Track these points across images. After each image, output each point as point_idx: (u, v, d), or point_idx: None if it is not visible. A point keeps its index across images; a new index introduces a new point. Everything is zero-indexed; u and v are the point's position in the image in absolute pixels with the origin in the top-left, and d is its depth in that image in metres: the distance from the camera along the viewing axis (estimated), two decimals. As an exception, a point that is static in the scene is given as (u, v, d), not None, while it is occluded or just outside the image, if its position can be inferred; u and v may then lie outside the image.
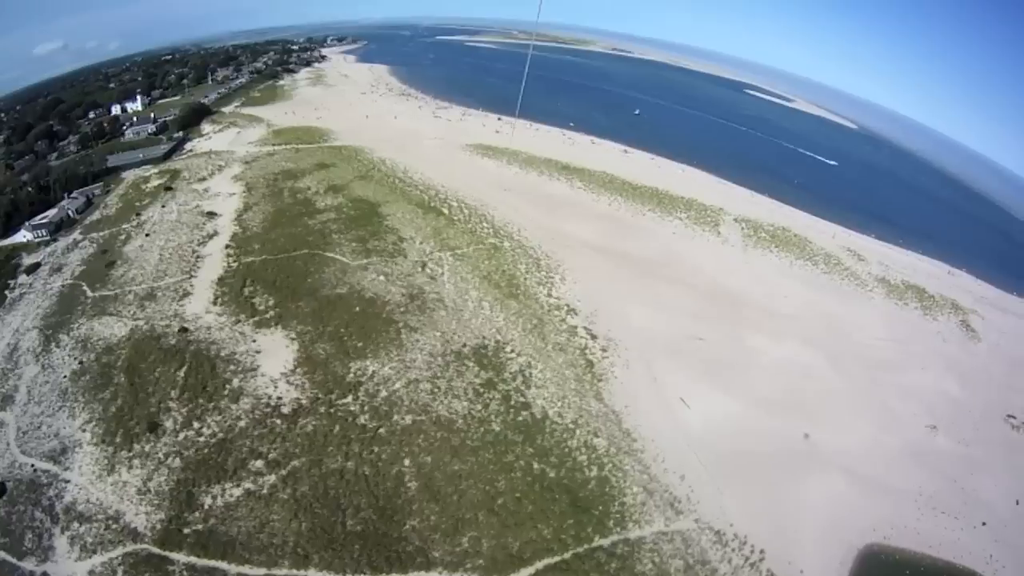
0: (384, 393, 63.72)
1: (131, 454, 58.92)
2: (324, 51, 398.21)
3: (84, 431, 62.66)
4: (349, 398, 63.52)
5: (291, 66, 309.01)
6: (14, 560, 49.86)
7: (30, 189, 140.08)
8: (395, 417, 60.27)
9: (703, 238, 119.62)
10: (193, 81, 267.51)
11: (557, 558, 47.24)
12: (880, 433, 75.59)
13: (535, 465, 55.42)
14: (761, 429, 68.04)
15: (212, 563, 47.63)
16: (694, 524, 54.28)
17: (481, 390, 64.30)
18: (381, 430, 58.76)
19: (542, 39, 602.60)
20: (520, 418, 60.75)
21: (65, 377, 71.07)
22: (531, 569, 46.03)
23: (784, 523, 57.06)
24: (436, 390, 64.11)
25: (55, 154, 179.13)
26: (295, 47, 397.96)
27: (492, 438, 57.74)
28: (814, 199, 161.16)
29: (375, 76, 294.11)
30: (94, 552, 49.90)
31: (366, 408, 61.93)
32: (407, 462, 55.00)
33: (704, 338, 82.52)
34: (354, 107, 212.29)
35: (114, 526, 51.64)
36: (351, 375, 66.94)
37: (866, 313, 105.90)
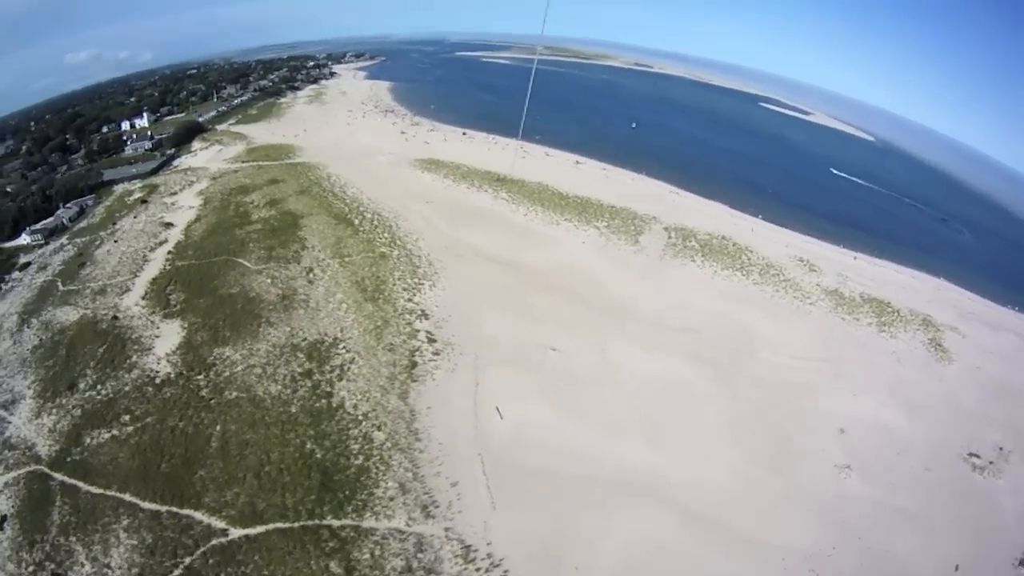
0: (227, 374, 79.07)
1: (53, 405, 78.41)
2: (338, 67, 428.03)
3: (29, 388, 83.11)
4: (201, 376, 79.28)
5: (296, 83, 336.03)
6: None
7: (36, 199, 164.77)
8: (225, 393, 75.47)
9: (615, 247, 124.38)
10: (199, 99, 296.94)
11: (287, 524, 57.70)
12: (760, 471, 67.97)
13: (308, 445, 67.15)
14: (583, 450, 67.40)
15: (74, 482, 65.59)
16: (442, 532, 56.87)
17: (298, 378, 78.08)
18: (212, 401, 74.34)
19: (563, 54, 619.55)
20: (317, 405, 73.30)
21: (27, 350, 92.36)
22: (263, 528, 57.48)
23: (567, 559, 54.94)
24: (263, 374, 78.75)
25: (65, 167, 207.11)
26: (311, 63, 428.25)
27: (286, 418, 71.10)
28: (792, 211, 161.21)
29: (372, 93, 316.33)
30: (10, 469, 69.62)
31: (209, 384, 77.61)
32: (218, 427, 69.84)
33: (559, 349, 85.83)
34: (333, 125, 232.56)
35: (28, 453, 71.21)
36: (211, 358, 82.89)
37: (794, 329, 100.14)
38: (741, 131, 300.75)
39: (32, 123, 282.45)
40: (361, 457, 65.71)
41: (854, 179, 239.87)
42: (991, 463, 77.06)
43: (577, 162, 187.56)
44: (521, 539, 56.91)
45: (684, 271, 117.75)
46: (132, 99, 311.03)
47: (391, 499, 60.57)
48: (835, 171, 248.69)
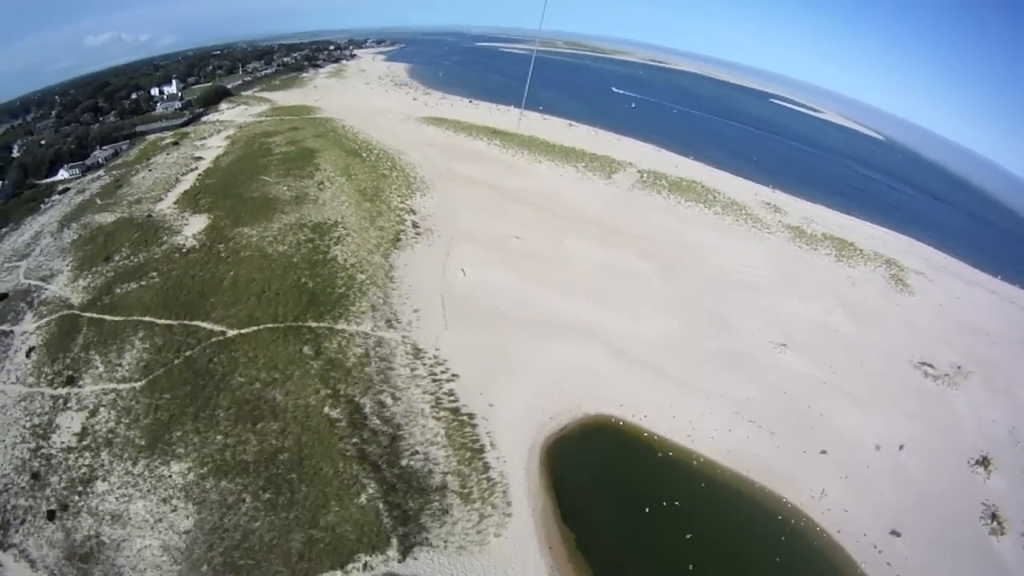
0: (243, 242, 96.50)
1: (88, 272, 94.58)
2: (359, 51, 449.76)
3: (67, 266, 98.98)
4: (222, 245, 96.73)
5: (319, 62, 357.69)
6: None
7: (72, 145, 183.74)
8: (240, 253, 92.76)
9: (589, 180, 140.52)
10: (225, 71, 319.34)
11: (276, 325, 74.34)
12: (693, 335, 78.43)
13: (302, 279, 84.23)
14: (532, 302, 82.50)
15: (101, 316, 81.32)
16: (399, 337, 72.35)
17: (301, 243, 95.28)
18: (229, 259, 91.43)
19: (581, 48, 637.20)
20: (315, 258, 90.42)
21: (67, 243, 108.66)
22: (257, 327, 73.80)
23: (502, 367, 67.75)
24: (274, 240, 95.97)
25: (97, 125, 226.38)
26: (332, 46, 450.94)
27: (288, 264, 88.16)
28: (778, 178, 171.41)
29: (390, 72, 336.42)
30: (43, 317, 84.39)
31: (227, 249, 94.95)
32: (231, 273, 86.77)
33: (522, 238, 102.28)
34: (352, 93, 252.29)
35: (61, 304, 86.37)
36: (231, 234, 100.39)
37: (748, 247, 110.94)
38: (743, 120, 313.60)
39: (57, 96, 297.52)
40: (344, 287, 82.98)
41: (856, 167, 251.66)
42: (947, 375, 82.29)
43: (570, 124, 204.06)
44: (465, 350, 72.30)
45: (649, 200, 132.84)
46: (157, 72, 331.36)
47: (362, 313, 77.61)
48: (845, 160, 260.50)
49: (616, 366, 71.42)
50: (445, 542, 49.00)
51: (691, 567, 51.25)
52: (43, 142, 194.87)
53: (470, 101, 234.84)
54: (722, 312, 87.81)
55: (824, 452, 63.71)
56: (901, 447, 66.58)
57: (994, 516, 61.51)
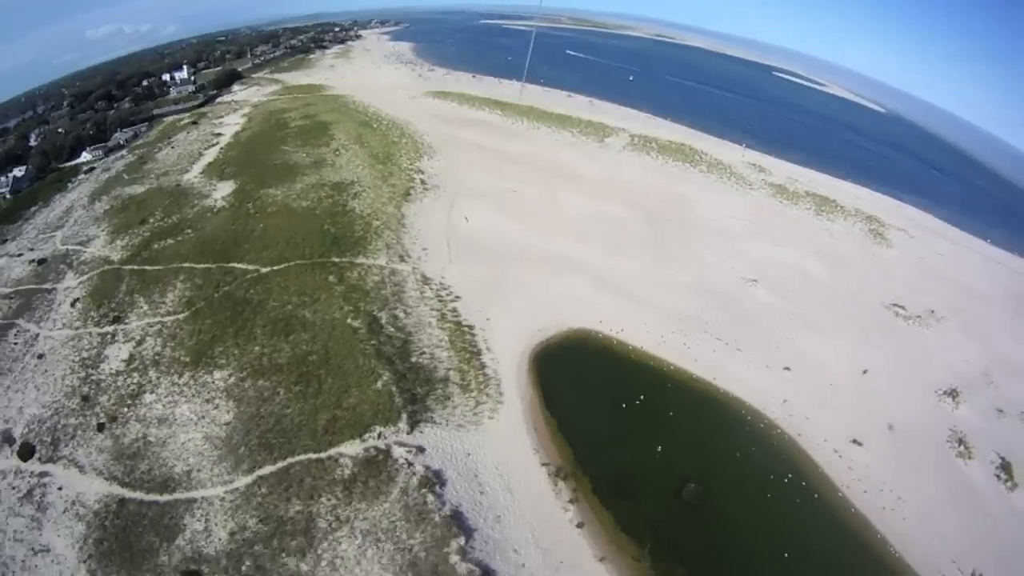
0: (270, 200, 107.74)
1: (126, 234, 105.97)
2: (364, 32, 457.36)
3: (102, 231, 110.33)
4: (249, 204, 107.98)
5: (325, 43, 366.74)
6: (40, 285, 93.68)
7: (91, 130, 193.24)
8: (267, 209, 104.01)
9: (582, 144, 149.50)
10: (234, 56, 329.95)
11: (304, 261, 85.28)
12: (668, 269, 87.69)
13: (325, 226, 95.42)
14: (526, 242, 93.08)
15: (141, 267, 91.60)
16: (410, 268, 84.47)
17: (323, 199, 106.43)
18: (256, 214, 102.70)
19: (582, 24, 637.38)
20: (335, 210, 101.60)
21: (100, 213, 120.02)
22: (287, 264, 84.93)
23: (497, 292, 78.33)
24: (297, 198, 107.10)
25: (112, 111, 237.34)
26: (337, 28, 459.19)
27: (311, 216, 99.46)
28: (770, 144, 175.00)
29: (395, 51, 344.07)
30: (84, 274, 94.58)
31: (256, 207, 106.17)
32: (261, 225, 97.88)
33: (518, 191, 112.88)
34: (359, 72, 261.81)
35: (101, 262, 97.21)
36: (258, 195, 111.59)
37: (729, 200, 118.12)
38: (740, 91, 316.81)
39: (64, 90, 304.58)
40: (362, 232, 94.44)
41: (850, 135, 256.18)
42: (919, 317, 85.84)
43: (568, 95, 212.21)
44: (467, 279, 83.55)
45: (638, 159, 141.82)
46: (167, 61, 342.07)
47: (378, 251, 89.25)
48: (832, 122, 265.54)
49: (597, 292, 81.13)
50: (447, 421, 59.59)
51: (659, 448, 59.92)
52: (60, 130, 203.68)
53: (474, 76, 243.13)
54: (698, 253, 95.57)
55: (788, 369, 69.61)
56: (865, 371, 70.97)
57: (961, 441, 64.24)
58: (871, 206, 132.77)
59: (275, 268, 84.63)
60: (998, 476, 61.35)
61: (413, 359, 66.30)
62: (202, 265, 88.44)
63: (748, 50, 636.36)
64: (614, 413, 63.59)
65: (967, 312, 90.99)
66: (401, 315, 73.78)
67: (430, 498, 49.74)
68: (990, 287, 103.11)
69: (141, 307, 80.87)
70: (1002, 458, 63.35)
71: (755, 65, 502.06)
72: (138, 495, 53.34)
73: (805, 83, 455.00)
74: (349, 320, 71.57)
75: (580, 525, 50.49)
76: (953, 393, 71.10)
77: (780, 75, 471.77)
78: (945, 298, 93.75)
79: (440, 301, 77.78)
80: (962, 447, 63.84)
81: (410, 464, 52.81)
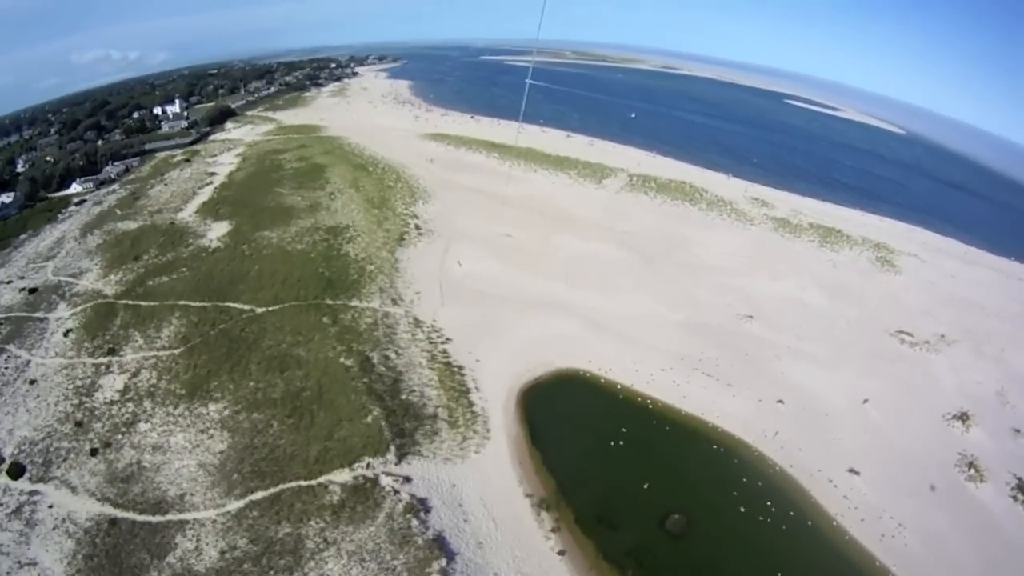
0: (265, 243, 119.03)
1: (119, 269, 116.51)
2: (360, 68, 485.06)
3: (95, 265, 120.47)
4: (244, 245, 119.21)
5: (320, 80, 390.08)
6: (31, 313, 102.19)
7: (82, 160, 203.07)
8: (263, 252, 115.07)
9: (580, 186, 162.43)
10: (227, 91, 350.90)
11: (299, 303, 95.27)
12: (662, 309, 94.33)
13: (320, 269, 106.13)
14: (518, 285, 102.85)
15: (136, 302, 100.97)
16: (402, 311, 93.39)
17: (318, 242, 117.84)
18: (252, 255, 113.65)
19: (589, 57, 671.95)
20: (330, 254, 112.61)
21: (92, 247, 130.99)
22: (282, 305, 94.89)
23: (487, 334, 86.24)
24: (292, 242, 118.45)
25: (101, 142, 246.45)
26: (333, 64, 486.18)
27: (306, 259, 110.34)
28: (777, 178, 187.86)
29: (392, 89, 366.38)
30: (77, 305, 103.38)
31: (251, 248, 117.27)
32: (256, 267, 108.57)
33: (513, 236, 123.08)
34: (355, 112, 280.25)
35: (94, 295, 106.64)
36: (253, 237, 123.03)
37: (728, 237, 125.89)
38: (750, 123, 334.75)
39: (50, 115, 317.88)
40: (356, 275, 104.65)
41: (870, 162, 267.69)
42: (927, 342, 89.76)
43: (568, 136, 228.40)
44: (458, 322, 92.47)
45: (636, 199, 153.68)
46: (156, 92, 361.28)
47: (371, 294, 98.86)
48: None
49: (587, 333, 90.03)
50: (434, 454, 67.76)
51: (646, 486, 66.15)
52: (49, 158, 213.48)
53: (472, 117, 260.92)
54: (693, 291, 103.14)
55: (781, 402, 74.25)
56: (865, 400, 74.37)
57: (971, 464, 67.06)
58: (880, 233, 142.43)
59: (270, 308, 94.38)
60: (1014, 497, 65.26)
61: (403, 396, 75.20)
62: (197, 303, 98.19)
63: (759, 78, 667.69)
64: (599, 448, 71.02)
65: (980, 332, 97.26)
66: (392, 355, 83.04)
67: (414, 523, 57.70)
68: (1007, 303, 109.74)
69: (136, 341, 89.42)
70: (1019, 479, 67.74)
71: (766, 93, 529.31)
72: (130, 515, 60.30)
73: (818, 109, 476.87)
74: (342, 359, 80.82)
75: (561, 553, 57.68)
76: (963, 417, 75.27)
77: (792, 103, 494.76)
78: (956, 320, 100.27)
79: (431, 343, 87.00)
80: (972, 470, 67.25)
81: (396, 492, 60.99)
